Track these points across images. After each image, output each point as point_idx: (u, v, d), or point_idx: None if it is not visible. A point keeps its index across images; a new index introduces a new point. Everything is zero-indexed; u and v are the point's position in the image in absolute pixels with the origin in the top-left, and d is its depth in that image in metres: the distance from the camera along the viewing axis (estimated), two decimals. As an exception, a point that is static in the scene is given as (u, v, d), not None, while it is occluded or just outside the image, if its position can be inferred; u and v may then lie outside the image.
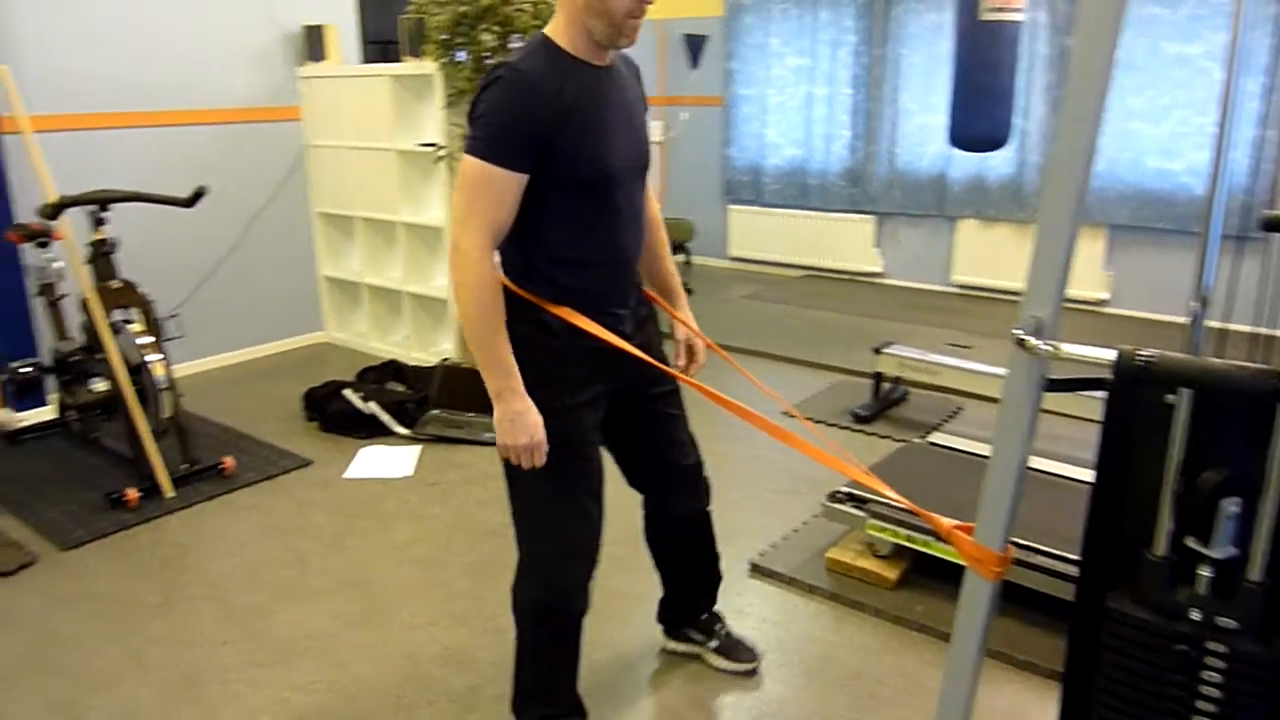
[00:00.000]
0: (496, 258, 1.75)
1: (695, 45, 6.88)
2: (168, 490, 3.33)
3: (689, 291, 6.26)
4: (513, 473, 1.86)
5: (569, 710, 2.05)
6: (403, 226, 4.72)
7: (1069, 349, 1.38)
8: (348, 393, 3.99)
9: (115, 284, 3.39)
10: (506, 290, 1.80)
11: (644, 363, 1.94)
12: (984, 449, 3.20)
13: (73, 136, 4.15)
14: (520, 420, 1.75)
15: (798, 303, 6.11)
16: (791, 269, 6.92)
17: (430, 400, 4.01)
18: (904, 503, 1.83)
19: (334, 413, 3.96)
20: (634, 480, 2.18)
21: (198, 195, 3.44)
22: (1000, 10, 3.79)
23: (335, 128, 4.88)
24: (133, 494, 3.24)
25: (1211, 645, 1.42)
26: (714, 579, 2.40)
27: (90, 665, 2.45)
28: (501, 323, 1.72)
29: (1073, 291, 5.69)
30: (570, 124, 1.71)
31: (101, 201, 3.31)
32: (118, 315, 3.39)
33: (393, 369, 4.31)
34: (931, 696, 2.32)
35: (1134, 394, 1.46)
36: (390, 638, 2.56)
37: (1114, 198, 5.48)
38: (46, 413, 4.00)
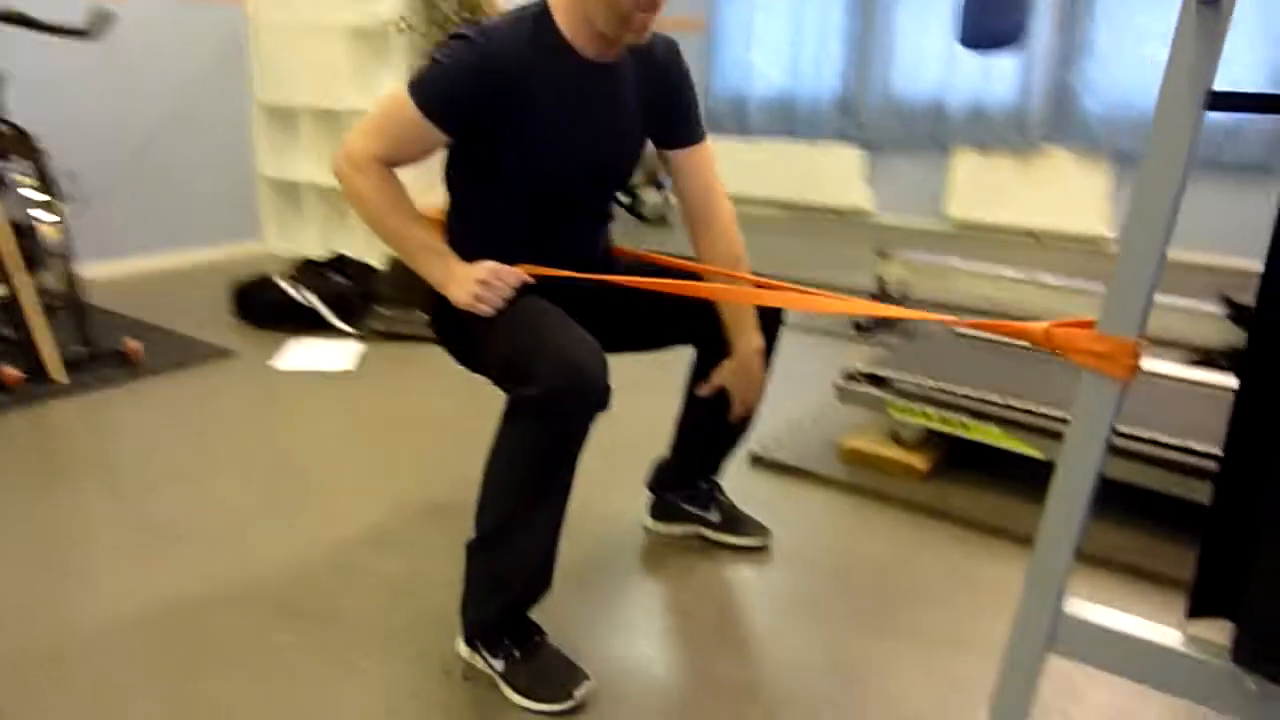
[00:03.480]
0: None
1: (677, -34, 6.41)
2: (57, 373, 2.80)
3: (666, 223, 5.85)
4: (479, 330, 1.55)
5: (536, 577, 1.57)
6: (352, 118, 4.21)
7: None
8: (281, 280, 3.48)
9: (2, 128, 2.85)
10: None
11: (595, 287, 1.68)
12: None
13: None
14: (469, 269, 1.55)
15: (784, 234, 5.68)
16: (775, 206, 6.50)
17: (377, 296, 3.51)
18: (975, 324, 1.38)
19: (264, 304, 3.45)
20: (676, 337, 1.86)
21: (100, 21, 2.90)
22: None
23: (281, 1, 4.34)
24: (11, 372, 2.72)
25: None
26: (735, 438, 1.95)
27: (-74, 544, 1.94)
28: (412, 211, 1.56)
29: None
30: (527, 114, 1.55)
31: (-23, 16, 2.77)
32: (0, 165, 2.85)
33: (336, 263, 3.80)
34: (985, 589, 1.89)
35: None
36: (311, 522, 2.07)
37: None
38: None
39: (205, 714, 1.47)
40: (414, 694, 1.53)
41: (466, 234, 1.68)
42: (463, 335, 1.62)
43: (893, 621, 1.77)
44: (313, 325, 3.41)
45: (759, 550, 2.00)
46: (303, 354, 3.17)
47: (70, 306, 2.93)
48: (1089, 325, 1.28)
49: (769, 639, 1.70)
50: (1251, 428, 1.17)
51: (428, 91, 1.50)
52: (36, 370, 2.78)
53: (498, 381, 1.55)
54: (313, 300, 3.41)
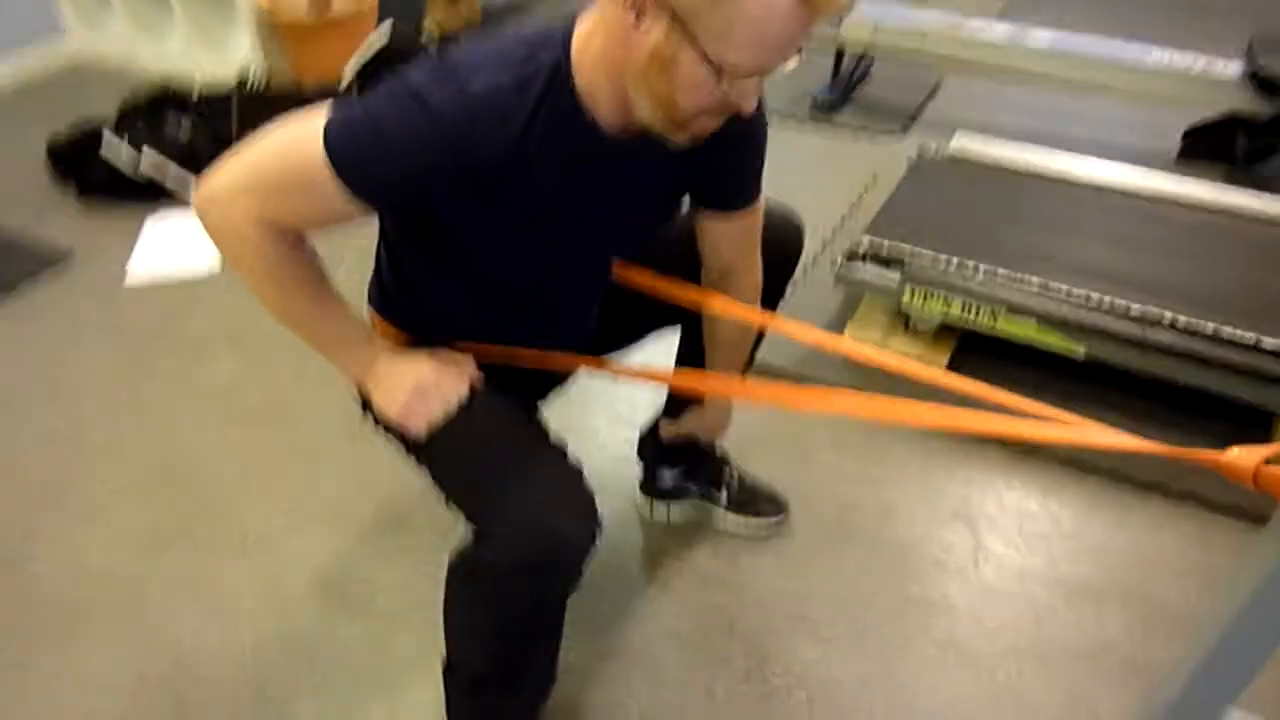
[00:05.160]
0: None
1: None
2: None
3: None
4: (430, 443, 1.13)
5: (540, 699, 1.30)
6: None
7: None
8: (110, 137, 2.73)
9: None
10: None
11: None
12: (1019, 154, 2.34)
13: None
14: (398, 368, 1.13)
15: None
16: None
17: (238, 133, 2.81)
18: (1148, 447, 0.99)
19: (95, 174, 2.73)
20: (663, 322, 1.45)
21: None
22: None
23: None
24: None
25: None
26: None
27: None
28: (320, 286, 1.10)
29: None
30: (512, 212, 1.04)
31: None
32: None
33: (173, 99, 3.01)
34: (1038, 538, 1.64)
35: None
36: (213, 569, 1.67)
37: None
38: None
39: None
40: None
41: (406, 299, 1.22)
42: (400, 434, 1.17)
43: (935, 625, 1.53)
44: (163, 192, 2.74)
45: (774, 531, 1.70)
46: (159, 247, 2.55)
47: None
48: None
49: (812, 682, 1.45)
50: None
51: (357, 162, 0.96)
52: None
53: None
54: (155, 163, 2.71)
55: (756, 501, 1.70)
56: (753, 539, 1.69)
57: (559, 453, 1.11)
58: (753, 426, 1.91)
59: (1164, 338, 1.78)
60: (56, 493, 1.81)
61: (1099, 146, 2.87)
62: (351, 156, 0.95)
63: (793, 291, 2.18)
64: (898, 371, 1.15)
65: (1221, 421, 1.84)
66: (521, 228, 1.07)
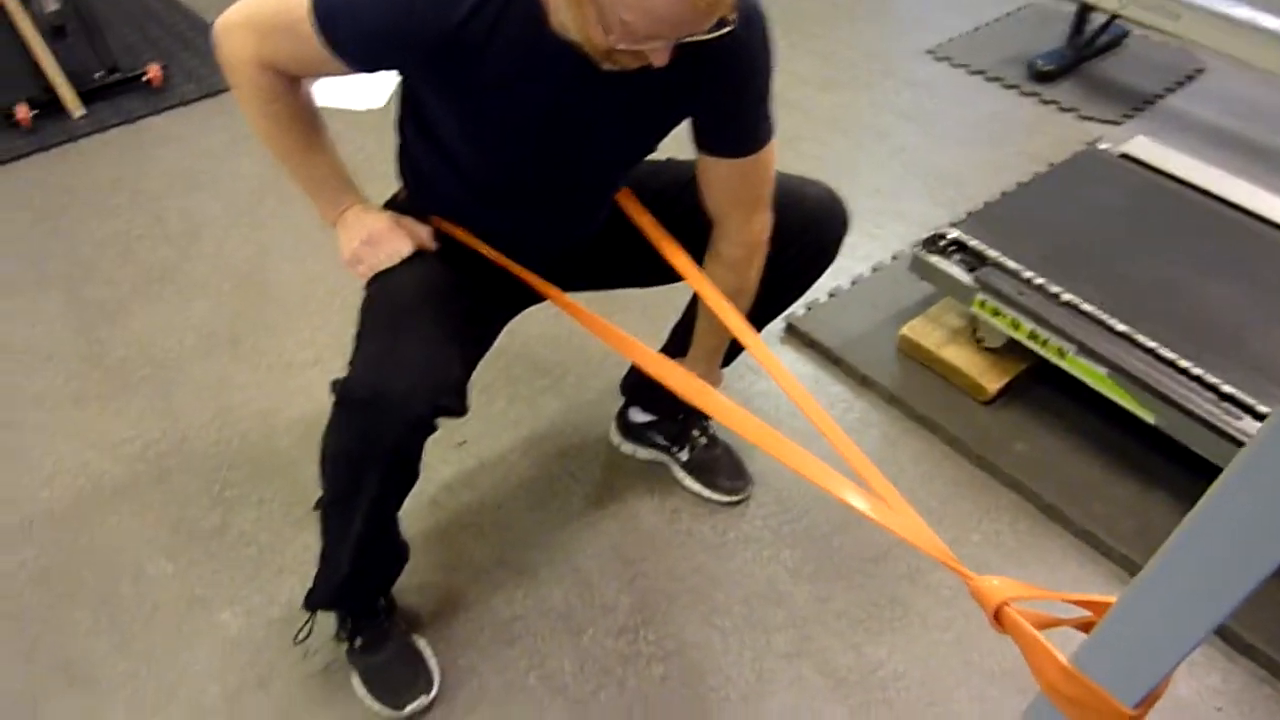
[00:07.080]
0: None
1: None
2: (73, 107, 2.58)
3: None
4: (367, 288, 1.24)
5: (363, 573, 1.35)
6: None
7: None
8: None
9: None
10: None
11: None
12: (1201, 172, 1.98)
13: None
14: (363, 219, 1.23)
15: None
16: None
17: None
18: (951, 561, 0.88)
19: None
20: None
21: None
22: None
23: None
24: (24, 110, 2.51)
25: None
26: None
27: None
28: (309, 129, 1.21)
29: None
30: (468, 98, 1.09)
31: None
32: None
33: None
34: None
35: None
36: (240, 378, 1.86)
37: None
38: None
39: (51, 669, 1.41)
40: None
41: (401, 160, 1.31)
42: None
43: (869, 666, 1.43)
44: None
45: (724, 506, 1.64)
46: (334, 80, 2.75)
47: (81, 23, 2.62)
48: (1091, 619, 0.74)
49: (677, 662, 1.42)
50: None
51: (330, 16, 1.04)
52: (51, 104, 2.57)
53: None
54: None
55: (716, 472, 1.65)
56: (702, 505, 1.64)
57: (451, 338, 1.14)
58: (773, 397, 1.83)
59: (1251, 430, 1.49)
60: (153, 279, 2.08)
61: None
62: (327, 9, 1.03)
63: (876, 268, 2.03)
64: (819, 427, 1.06)
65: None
66: (471, 119, 1.11)
